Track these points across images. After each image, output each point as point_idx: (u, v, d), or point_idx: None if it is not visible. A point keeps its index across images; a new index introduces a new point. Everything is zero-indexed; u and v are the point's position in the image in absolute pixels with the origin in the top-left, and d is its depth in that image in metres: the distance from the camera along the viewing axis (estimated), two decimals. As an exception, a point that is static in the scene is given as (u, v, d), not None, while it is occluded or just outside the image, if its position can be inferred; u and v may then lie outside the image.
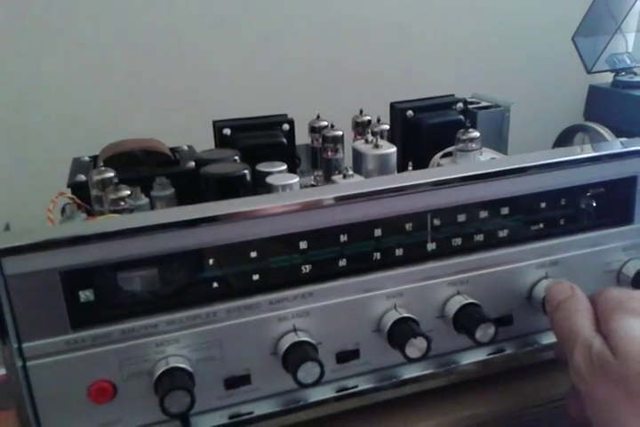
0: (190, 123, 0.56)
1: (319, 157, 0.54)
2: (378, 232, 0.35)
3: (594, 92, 0.67)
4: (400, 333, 0.34)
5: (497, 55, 0.78)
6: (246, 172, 0.42)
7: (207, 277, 0.32)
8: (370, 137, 0.50)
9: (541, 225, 0.39)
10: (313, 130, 0.55)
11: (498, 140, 0.59)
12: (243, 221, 0.32)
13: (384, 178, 0.41)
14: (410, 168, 0.52)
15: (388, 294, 0.36)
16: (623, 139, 0.47)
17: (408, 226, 0.36)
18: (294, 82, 0.70)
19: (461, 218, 0.37)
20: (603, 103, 0.67)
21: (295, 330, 0.33)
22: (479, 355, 0.39)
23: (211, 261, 0.32)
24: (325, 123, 0.54)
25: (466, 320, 0.36)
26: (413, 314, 0.36)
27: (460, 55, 0.77)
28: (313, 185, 0.54)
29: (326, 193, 0.34)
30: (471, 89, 0.63)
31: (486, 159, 0.51)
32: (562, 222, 0.39)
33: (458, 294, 0.37)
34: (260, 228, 0.33)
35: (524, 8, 0.78)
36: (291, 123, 0.53)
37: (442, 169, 0.43)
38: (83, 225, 0.34)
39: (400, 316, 0.35)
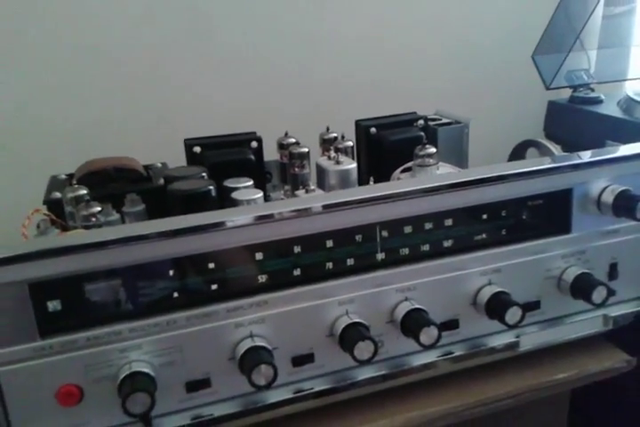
0: (168, 140, 0.58)
1: (287, 173, 0.56)
2: (330, 243, 0.38)
3: (552, 107, 0.70)
4: (350, 337, 0.37)
5: (461, 72, 0.82)
6: (211, 188, 0.44)
7: (168, 287, 0.35)
8: (332, 153, 0.53)
9: (484, 235, 0.42)
10: (281, 146, 0.57)
11: (458, 155, 0.62)
12: (201, 234, 0.35)
13: (336, 193, 0.43)
14: (371, 182, 0.55)
15: (340, 300, 0.38)
16: (564, 153, 0.51)
17: (358, 237, 0.39)
18: (266, 99, 0.73)
19: (408, 229, 0.40)
20: (561, 119, 0.70)
21: (252, 336, 0.36)
22: (429, 357, 0.41)
23: (171, 272, 0.35)
24: (293, 140, 0.57)
25: (412, 324, 0.38)
26: (364, 319, 0.38)
27: (424, 72, 0.80)
28: (282, 199, 0.57)
29: (280, 207, 0.37)
30: (436, 105, 0.66)
31: (442, 173, 0.54)
32: (504, 232, 0.42)
33: (406, 300, 0.40)
34: (219, 240, 0.35)
35: (487, 25, 0.82)
36: (259, 140, 0.56)
37: (389, 184, 0.46)
38: (49, 240, 0.36)
39: (351, 321, 0.37)
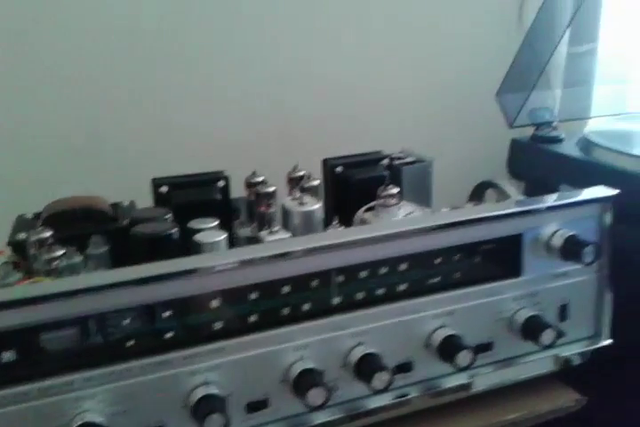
0: (138, 177, 0.59)
1: (254, 211, 0.58)
2: (285, 289, 0.39)
3: (514, 146, 0.72)
4: (303, 383, 0.37)
5: (430, 109, 0.84)
6: (173, 231, 0.45)
7: (123, 336, 0.36)
8: (297, 194, 0.54)
9: (438, 279, 0.43)
10: (249, 185, 0.59)
11: (422, 194, 0.64)
12: (154, 284, 0.35)
13: (291, 240, 0.44)
14: (335, 222, 0.56)
15: (295, 346, 0.39)
16: (519, 197, 0.53)
17: (314, 283, 0.40)
18: (238, 136, 0.75)
19: (363, 274, 0.41)
20: (522, 157, 0.71)
21: (206, 383, 0.37)
22: (383, 400, 0.42)
23: (126, 322, 0.35)
24: (261, 178, 0.59)
25: (364, 369, 0.39)
26: (319, 364, 0.39)
27: (393, 110, 0.82)
28: (250, 237, 0.58)
29: (234, 257, 0.38)
30: (403, 143, 0.68)
31: (405, 213, 0.55)
32: (457, 276, 0.44)
33: (359, 344, 0.41)
34: (173, 289, 0.36)
35: (457, 63, 0.84)
36: (226, 179, 0.57)
37: (343, 231, 0.47)
38: (5, 292, 0.36)
39: (305, 367, 0.38)
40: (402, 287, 0.42)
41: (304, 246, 0.39)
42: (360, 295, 0.41)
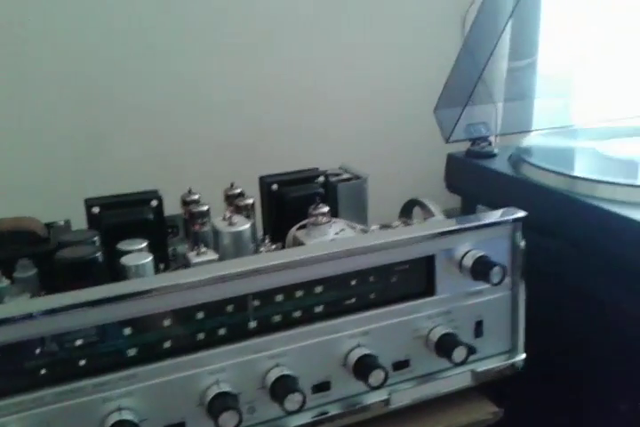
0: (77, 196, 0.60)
1: (188, 230, 0.58)
2: (200, 315, 0.40)
3: (450, 160, 0.74)
4: (216, 407, 0.39)
5: (373, 125, 0.86)
6: (97, 255, 0.46)
7: (35, 365, 0.36)
8: (227, 214, 0.55)
9: (354, 300, 0.45)
10: (184, 203, 0.60)
11: (358, 210, 0.65)
12: (66, 313, 0.36)
13: (206, 267, 0.45)
14: (266, 241, 0.58)
15: (210, 370, 0.40)
16: (438, 217, 0.55)
17: (229, 308, 0.41)
18: (170, 155, 0.75)
19: (279, 298, 0.42)
20: (458, 172, 0.73)
21: (120, 409, 0.38)
22: (303, 419, 0.44)
23: (37, 351, 0.36)
24: (196, 197, 0.60)
25: (278, 391, 0.40)
26: (235, 387, 0.40)
27: (335, 126, 0.84)
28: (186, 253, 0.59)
29: (149, 284, 0.39)
30: (344, 159, 0.70)
31: (335, 231, 0.57)
32: (372, 296, 0.45)
33: (276, 366, 0.42)
34: (85, 318, 0.37)
35: (396, 78, 0.86)
36: (159, 199, 0.57)
37: (258, 257, 0.48)
38: None
39: (218, 391, 0.39)
40: (318, 309, 0.44)
41: (216, 274, 0.40)
42: (276, 318, 0.42)
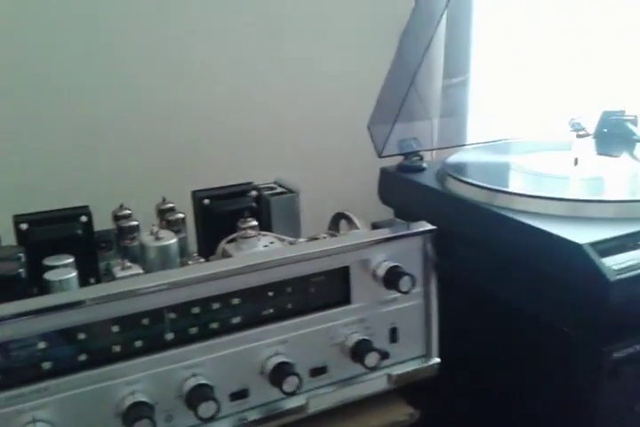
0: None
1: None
2: (116, 328, 0.42)
3: (383, 174, 0.77)
4: (131, 417, 0.40)
5: (310, 139, 0.89)
6: (19, 272, 0.47)
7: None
8: (154, 228, 0.56)
9: (271, 310, 0.47)
10: (115, 218, 0.61)
11: (290, 223, 0.67)
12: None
13: (125, 281, 0.46)
14: (194, 254, 0.59)
15: (127, 381, 0.42)
16: (359, 230, 0.57)
17: (145, 321, 0.43)
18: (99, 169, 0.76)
19: (196, 310, 0.44)
20: (390, 185, 0.76)
21: (34, 421, 0.39)
22: (223, 425, 0.45)
23: (-50, 367, 0.37)
24: (127, 211, 0.61)
25: (193, 399, 0.42)
26: (152, 397, 0.42)
27: (266, 141, 0.86)
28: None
29: (64, 299, 0.40)
30: (280, 173, 0.72)
31: (264, 244, 0.59)
32: (290, 306, 0.47)
33: (194, 375, 0.44)
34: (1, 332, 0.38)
35: (331, 93, 0.89)
36: (89, 214, 0.59)
37: (173, 271, 0.49)
38: None
39: (134, 401, 0.41)
40: (236, 320, 0.45)
41: (133, 287, 0.41)
42: (193, 330, 0.44)
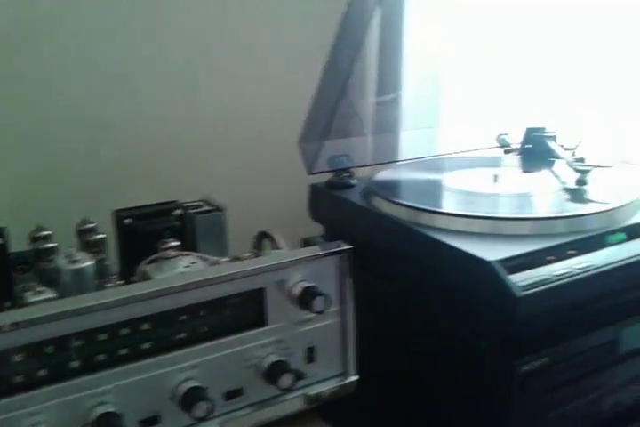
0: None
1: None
2: (18, 358, 0.41)
3: (312, 191, 0.77)
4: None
5: (242, 155, 0.89)
6: None
7: None
8: (71, 250, 0.55)
9: (183, 335, 0.46)
10: (33, 240, 0.59)
11: (217, 241, 0.67)
12: None
13: (29, 309, 0.45)
14: (113, 277, 0.58)
15: (30, 412, 0.41)
16: (280, 250, 0.58)
17: (49, 349, 0.42)
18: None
19: (103, 337, 0.43)
20: (319, 202, 0.77)
21: None
22: (133, 453, 0.45)
23: None
24: (46, 233, 0.59)
25: (100, 428, 0.41)
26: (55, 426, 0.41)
27: (193, 161, 0.86)
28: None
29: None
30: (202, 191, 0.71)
31: (186, 264, 0.59)
32: (204, 330, 0.47)
33: (101, 404, 0.43)
34: None
35: (262, 110, 0.90)
36: (3, 236, 0.57)
37: (83, 297, 0.47)
38: None
39: (35, 433, 0.40)
40: (145, 346, 0.45)
41: (37, 315, 0.40)
42: (101, 357, 0.43)
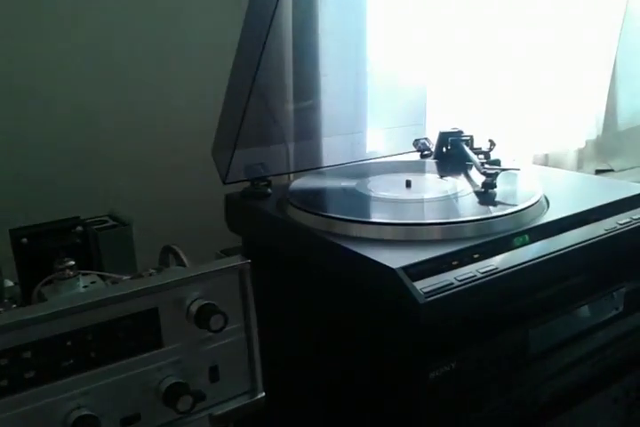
0: None
1: None
2: None
3: (228, 201, 0.76)
4: None
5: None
6: None
7: None
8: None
9: (71, 361, 0.44)
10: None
11: (124, 257, 0.65)
12: None
13: None
14: (6, 300, 0.55)
15: None
16: (176, 267, 0.56)
17: None
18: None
19: (-21, 369, 0.41)
20: (235, 212, 0.75)
21: None
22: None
23: None
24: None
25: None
26: None
27: (101, 173, 0.83)
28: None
29: None
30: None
31: (85, 284, 0.56)
32: (93, 355, 0.45)
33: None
34: None
35: (167, 120, 0.87)
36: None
37: None
38: None
39: None
40: (29, 375, 0.42)
41: None
42: (-22, 390, 0.41)
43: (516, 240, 0.62)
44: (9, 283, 0.59)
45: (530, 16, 1.16)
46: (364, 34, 0.98)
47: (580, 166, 1.33)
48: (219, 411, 0.50)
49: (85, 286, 0.55)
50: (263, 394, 0.52)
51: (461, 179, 0.79)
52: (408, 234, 0.63)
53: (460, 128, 0.90)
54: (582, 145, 1.31)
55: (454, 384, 0.56)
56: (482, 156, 0.84)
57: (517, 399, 0.64)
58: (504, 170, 0.73)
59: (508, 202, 0.69)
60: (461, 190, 0.73)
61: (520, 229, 0.63)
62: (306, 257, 0.66)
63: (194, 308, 0.48)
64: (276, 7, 0.69)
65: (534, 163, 1.20)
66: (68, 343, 0.44)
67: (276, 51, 0.85)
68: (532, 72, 1.19)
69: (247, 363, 0.51)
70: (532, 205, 0.67)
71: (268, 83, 0.82)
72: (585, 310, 0.68)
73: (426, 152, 0.94)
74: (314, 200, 0.72)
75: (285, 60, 0.92)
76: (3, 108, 0.76)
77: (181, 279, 0.47)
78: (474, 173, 0.80)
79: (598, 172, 1.42)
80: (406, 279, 0.53)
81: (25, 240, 0.59)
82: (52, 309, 0.42)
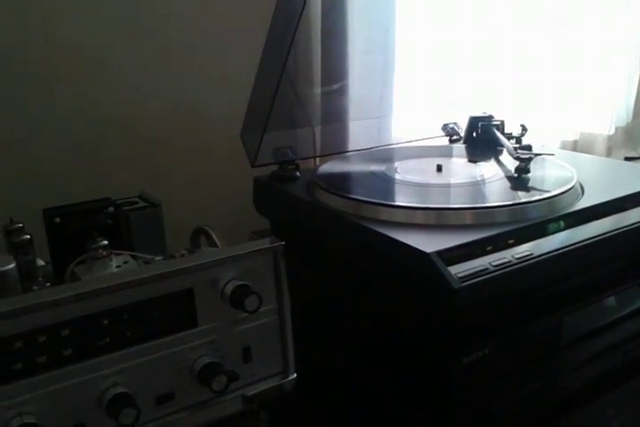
0: None
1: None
2: None
3: (256, 184, 0.75)
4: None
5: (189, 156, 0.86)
6: None
7: None
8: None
9: (108, 339, 0.44)
10: (7, 234, 0.56)
11: (154, 238, 0.65)
12: None
13: None
14: (40, 278, 0.56)
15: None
16: (210, 248, 0.56)
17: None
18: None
19: (19, 345, 0.41)
20: (263, 195, 0.75)
21: None
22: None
23: None
24: (20, 225, 0.56)
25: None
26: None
27: (134, 153, 0.83)
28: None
29: None
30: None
31: (118, 263, 0.56)
32: (129, 334, 0.45)
33: (19, 415, 0.40)
34: None
35: (198, 102, 0.87)
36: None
37: None
38: None
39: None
40: (67, 353, 0.43)
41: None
42: (18, 366, 0.41)
43: (551, 226, 0.61)
44: (40, 262, 0.60)
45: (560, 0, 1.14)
46: (393, 16, 0.97)
47: (608, 153, 1.31)
48: (251, 391, 0.50)
49: (118, 266, 0.56)
50: (295, 376, 0.52)
51: (492, 164, 0.78)
52: (439, 218, 0.62)
53: (489, 113, 0.89)
54: (612, 132, 1.28)
55: (487, 370, 0.56)
56: (513, 141, 0.82)
57: (547, 387, 0.64)
58: (538, 155, 0.71)
59: (542, 187, 0.67)
60: (494, 175, 0.72)
61: (555, 215, 0.62)
62: (334, 241, 0.65)
63: (228, 289, 0.47)
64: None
65: (563, 149, 1.18)
66: (105, 322, 0.44)
67: (305, 35, 0.84)
68: (563, 58, 1.17)
69: (279, 344, 0.51)
70: (568, 190, 0.66)
71: (297, 68, 0.81)
72: (618, 298, 0.66)
73: (455, 137, 0.92)
74: (343, 184, 0.72)
75: (314, 44, 0.91)
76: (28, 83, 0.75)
77: (217, 260, 0.47)
78: (504, 157, 0.78)
79: (627, 159, 1.39)
80: (440, 264, 0.52)
81: (58, 220, 0.60)
82: (100, 284, 0.43)
